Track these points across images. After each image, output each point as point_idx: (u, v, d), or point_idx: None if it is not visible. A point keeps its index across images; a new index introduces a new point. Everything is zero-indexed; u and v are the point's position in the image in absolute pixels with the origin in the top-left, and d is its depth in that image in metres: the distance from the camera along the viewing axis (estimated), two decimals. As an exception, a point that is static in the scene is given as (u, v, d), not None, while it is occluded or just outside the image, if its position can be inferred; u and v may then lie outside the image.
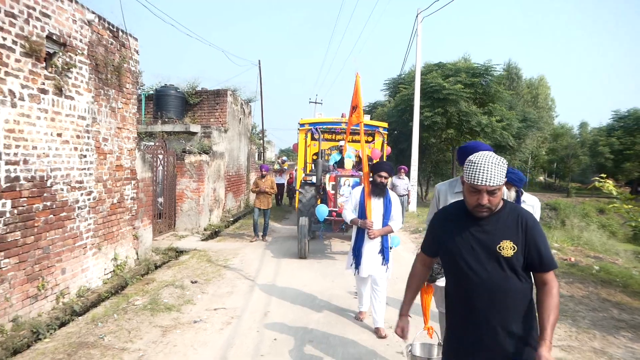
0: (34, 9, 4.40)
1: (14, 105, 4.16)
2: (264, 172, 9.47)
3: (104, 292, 5.59)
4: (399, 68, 52.26)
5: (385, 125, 11.72)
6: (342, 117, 11.10)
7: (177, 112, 12.42)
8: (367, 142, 4.16)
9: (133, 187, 6.70)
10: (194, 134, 11.22)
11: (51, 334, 4.26)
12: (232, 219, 12.47)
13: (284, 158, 20.87)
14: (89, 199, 5.49)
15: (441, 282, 3.10)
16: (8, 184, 4.12)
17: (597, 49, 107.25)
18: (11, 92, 4.13)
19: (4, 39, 4.01)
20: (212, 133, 11.36)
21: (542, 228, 2.01)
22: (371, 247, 4.39)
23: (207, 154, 10.75)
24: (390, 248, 4.63)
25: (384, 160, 9.96)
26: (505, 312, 1.90)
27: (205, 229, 10.45)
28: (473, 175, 1.89)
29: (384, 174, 4.40)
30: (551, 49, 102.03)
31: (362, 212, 4.41)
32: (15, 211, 4.23)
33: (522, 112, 24.06)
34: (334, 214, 7.52)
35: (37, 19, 4.45)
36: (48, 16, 4.61)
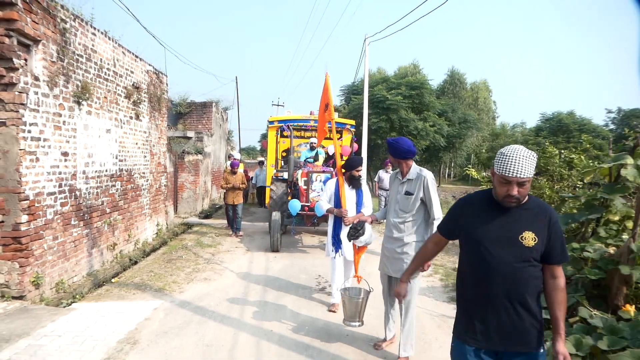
0: (127, 69, 7.44)
1: (121, 127, 7.21)
2: (235, 169, 9.55)
3: (155, 244, 8.64)
4: (352, 75, 56.27)
5: (353, 122, 11.52)
6: (310, 114, 11.12)
7: (172, 120, 15.34)
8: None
9: (165, 178, 9.74)
10: (189, 138, 14.21)
11: (142, 260, 7.33)
12: (217, 206, 15.55)
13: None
14: (147, 184, 8.53)
15: (358, 242, 3.95)
16: (119, 173, 7.17)
17: (541, 54, 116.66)
18: (120, 120, 7.18)
19: (119, 89, 7.06)
20: (203, 137, 14.39)
21: None
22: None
23: (200, 154, 13.78)
24: None
25: (353, 155, 9.51)
26: (521, 298, 2.01)
27: (200, 212, 13.49)
28: (504, 166, 1.94)
29: (360, 168, 4.83)
30: (499, 56, 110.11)
31: (337, 202, 4.73)
32: (121, 189, 7.27)
33: (462, 115, 27.36)
34: (307, 208, 7.73)
35: (129, 75, 7.49)
36: (133, 72, 7.65)
